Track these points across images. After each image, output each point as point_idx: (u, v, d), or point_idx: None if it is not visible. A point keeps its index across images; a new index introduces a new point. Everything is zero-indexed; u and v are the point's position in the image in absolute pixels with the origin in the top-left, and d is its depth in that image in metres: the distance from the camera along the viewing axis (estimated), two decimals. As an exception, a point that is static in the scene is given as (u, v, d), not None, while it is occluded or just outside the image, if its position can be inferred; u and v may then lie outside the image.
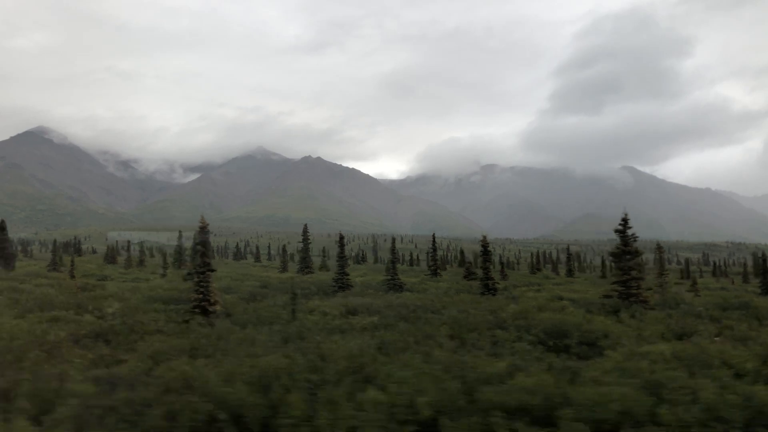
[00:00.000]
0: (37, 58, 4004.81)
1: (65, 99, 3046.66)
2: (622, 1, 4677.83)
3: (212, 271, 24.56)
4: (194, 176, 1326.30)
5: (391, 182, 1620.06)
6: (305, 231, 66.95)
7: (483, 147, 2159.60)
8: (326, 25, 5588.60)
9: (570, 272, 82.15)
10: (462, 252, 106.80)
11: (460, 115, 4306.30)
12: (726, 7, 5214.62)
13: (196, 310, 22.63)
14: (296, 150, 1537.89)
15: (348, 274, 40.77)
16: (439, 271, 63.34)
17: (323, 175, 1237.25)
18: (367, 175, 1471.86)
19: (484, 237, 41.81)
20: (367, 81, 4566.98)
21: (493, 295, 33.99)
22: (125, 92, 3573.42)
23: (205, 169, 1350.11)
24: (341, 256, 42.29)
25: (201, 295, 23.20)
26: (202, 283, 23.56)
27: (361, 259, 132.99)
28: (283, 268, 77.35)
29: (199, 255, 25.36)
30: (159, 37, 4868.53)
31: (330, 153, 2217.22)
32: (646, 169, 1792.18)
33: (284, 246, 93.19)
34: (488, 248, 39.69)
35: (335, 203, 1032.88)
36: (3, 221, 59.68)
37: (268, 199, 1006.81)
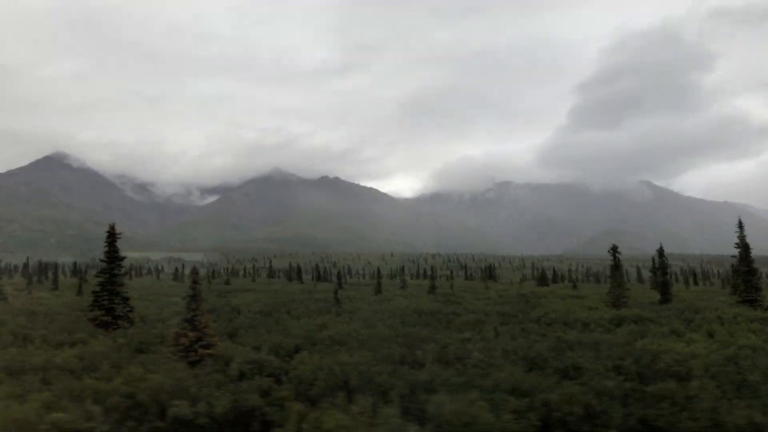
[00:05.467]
0: (66, 84, 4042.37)
1: (89, 124, 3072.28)
2: (651, 18, 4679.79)
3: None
4: (211, 198, 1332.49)
5: (406, 200, 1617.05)
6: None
7: (498, 164, 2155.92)
8: (354, 48, 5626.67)
9: None
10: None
11: (477, 132, 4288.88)
12: (753, 21, 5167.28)
13: None
14: (313, 170, 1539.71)
15: None
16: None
17: (342, 194, 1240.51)
18: (385, 193, 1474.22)
19: None
20: (389, 101, 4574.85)
21: None
22: (149, 116, 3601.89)
23: (221, 191, 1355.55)
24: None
25: None
26: None
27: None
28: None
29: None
30: (188, 62, 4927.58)
31: (347, 172, 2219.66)
32: (662, 183, 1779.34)
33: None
34: None
35: (357, 222, 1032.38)
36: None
37: (290, 220, 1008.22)
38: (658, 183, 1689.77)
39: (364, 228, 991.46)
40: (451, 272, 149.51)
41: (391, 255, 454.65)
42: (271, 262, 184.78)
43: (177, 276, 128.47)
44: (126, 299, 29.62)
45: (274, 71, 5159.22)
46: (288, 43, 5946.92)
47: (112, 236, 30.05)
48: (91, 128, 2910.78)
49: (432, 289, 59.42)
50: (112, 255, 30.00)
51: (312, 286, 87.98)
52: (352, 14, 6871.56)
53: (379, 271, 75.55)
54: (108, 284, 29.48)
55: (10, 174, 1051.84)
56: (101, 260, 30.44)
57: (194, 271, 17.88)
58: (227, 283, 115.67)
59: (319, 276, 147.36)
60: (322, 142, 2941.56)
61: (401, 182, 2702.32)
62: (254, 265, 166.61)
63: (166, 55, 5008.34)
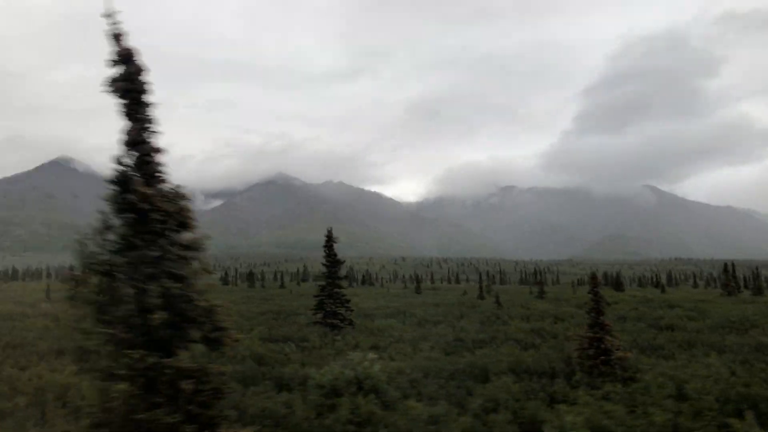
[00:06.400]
0: (72, 89, 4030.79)
1: (95, 128, 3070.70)
2: (657, 24, 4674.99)
3: None
4: (216, 203, 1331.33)
5: (409, 205, 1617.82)
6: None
7: (502, 169, 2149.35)
8: (361, 53, 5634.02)
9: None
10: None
11: (482, 137, 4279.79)
12: (759, 27, 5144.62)
13: None
14: (318, 175, 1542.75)
15: None
16: None
17: (346, 199, 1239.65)
18: (389, 198, 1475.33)
19: None
20: (394, 106, 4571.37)
21: None
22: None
23: (226, 196, 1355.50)
24: None
25: None
26: None
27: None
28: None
29: None
30: (194, 67, 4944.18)
31: (351, 177, 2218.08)
32: (667, 188, 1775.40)
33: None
34: None
35: (361, 227, 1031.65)
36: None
37: (295, 224, 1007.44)
38: (663, 188, 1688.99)
39: (367, 232, 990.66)
40: (493, 277, 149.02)
41: (403, 259, 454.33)
42: (305, 266, 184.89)
43: (227, 280, 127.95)
44: (347, 301, 29.65)
45: (280, 76, 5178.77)
46: (294, 48, 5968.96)
47: (330, 240, 30.13)
48: (97, 133, 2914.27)
49: (541, 294, 59.20)
50: (332, 259, 30.04)
51: (385, 291, 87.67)
52: (359, 20, 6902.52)
53: (481, 275, 75.43)
54: (329, 287, 29.51)
55: (17, 178, 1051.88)
56: (323, 264, 30.49)
57: (593, 277, 17.93)
58: (282, 286, 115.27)
59: (364, 280, 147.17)
60: (327, 146, 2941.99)
61: (405, 186, 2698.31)
62: (298, 269, 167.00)
63: (173, 60, 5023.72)
